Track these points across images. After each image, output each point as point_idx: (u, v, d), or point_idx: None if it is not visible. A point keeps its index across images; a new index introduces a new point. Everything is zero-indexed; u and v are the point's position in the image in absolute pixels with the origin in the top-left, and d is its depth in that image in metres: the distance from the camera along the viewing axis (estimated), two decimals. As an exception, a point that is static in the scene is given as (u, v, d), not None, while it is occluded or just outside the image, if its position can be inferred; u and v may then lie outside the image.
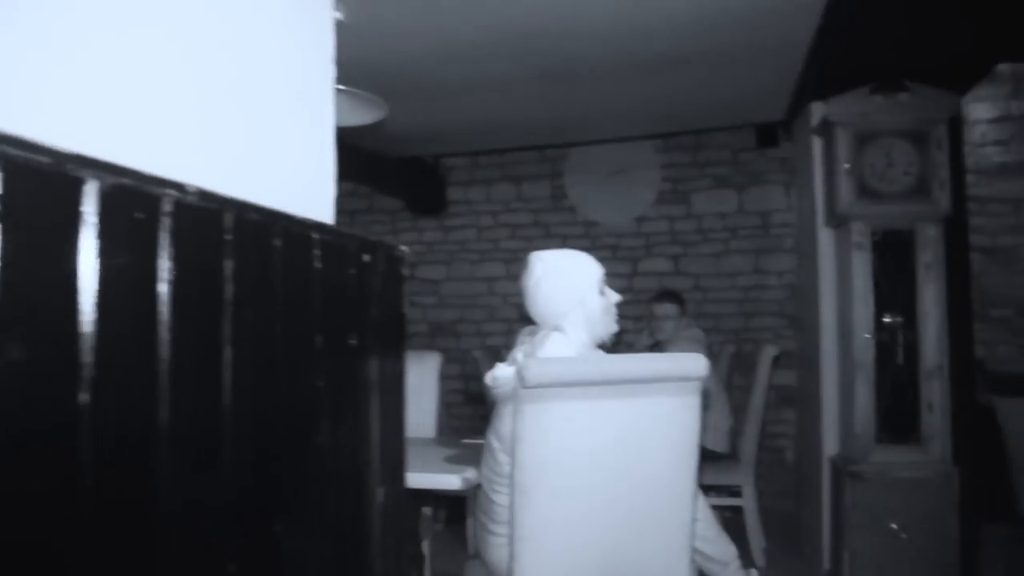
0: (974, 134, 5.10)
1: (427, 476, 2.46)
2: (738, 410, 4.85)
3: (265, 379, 1.02)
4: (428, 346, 6.08)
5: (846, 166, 3.58)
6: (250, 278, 0.99)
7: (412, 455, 2.86)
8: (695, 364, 2.10)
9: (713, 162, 5.70)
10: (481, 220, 6.13)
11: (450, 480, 2.42)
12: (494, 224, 6.10)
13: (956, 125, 3.78)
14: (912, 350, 3.56)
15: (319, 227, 1.16)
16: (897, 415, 3.57)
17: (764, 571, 4.18)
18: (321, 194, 1.37)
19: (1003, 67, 5.06)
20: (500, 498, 2.25)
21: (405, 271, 1.44)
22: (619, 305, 2.52)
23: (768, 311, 5.60)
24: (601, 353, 2.42)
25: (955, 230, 3.69)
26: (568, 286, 2.35)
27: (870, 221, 3.60)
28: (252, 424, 1.00)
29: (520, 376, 2.01)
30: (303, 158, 1.33)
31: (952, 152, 3.57)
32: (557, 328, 2.33)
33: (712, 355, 5.00)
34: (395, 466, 1.37)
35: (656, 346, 4.70)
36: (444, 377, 5.32)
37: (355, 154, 5.35)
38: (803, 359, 4.90)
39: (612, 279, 5.83)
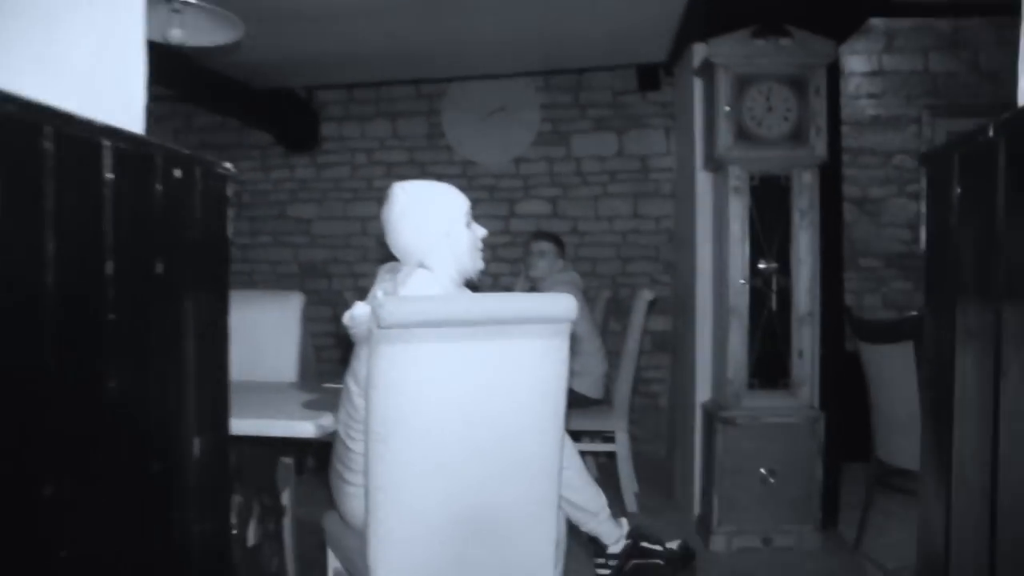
0: (849, 86, 5.15)
1: (279, 423, 2.27)
2: (613, 355, 4.81)
3: (28, 311, 0.82)
4: (299, 287, 5.83)
5: (726, 109, 3.51)
6: (6, 187, 0.79)
7: (267, 401, 2.69)
8: (564, 305, 1.97)
9: (594, 103, 5.59)
10: (355, 158, 5.86)
11: (303, 427, 2.23)
12: (368, 162, 5.85)
13: (834, 74, 3.76)
14: (785, 297, 3.55)
15: (111, 132, 0.95)
16: (769, 361, 3.57)
17: (635, 518, 4.17)
18: (126, 100, 1.15)
19: (876, 22, 5.10)
20: (356, 445, 2.09)
21: (231, 191, 1.24)
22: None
23: (645, 256, 5.57)
24: (468, 292, 2.27)
25: (829, 178, 3.68)
26: (433, 218, 2.18)
27: (748, 165, 3.55)
28: (13, 367, 0.80)
29: (375, 315, 1.84)
30: (98, 52, 1.11)
31: (829, 101, 3.54)
32: (421, 264, 2.17)
33: (588, 300, 4.94)
34: (216, 413, 1.19)
35: (532, 288, 4.59)
36: (315, 319, 5.12)
37: (222, 83, 5.00)
38: (678, 305, 4.89)
39: (489, 221, 5.71)
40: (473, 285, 2.37)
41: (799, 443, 3.55)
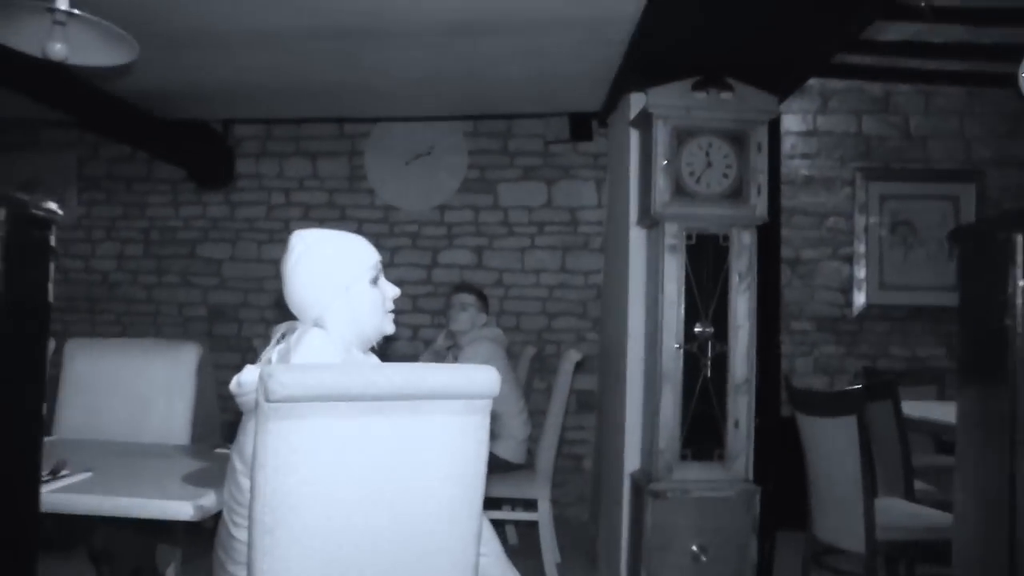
0: (784, 146, 5.05)
1: (153, 503, 1.95)
2: (537, 414, 4.56)
3: None
4: (207, 331, 5.46)
5: (663, 163, 3.33)
6: None
7: (145, 472, 2.34)
8: (485, 379, 1.71)
9: (523, 151, 5.39)
10: (272, 197, 5.53)
11: (179, 508, 1.92)
12: (286, 202, 5.52)
13: (775, 131, 3.63)
14: (721, 363, 3.36)
15: None
16: (702, 431, 3.36)
17: (555, 593, 3.89)
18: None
19: (812, 82, 5.04)
20: (240, 533, 1.77)
21: (52, 239, 0.95)
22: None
23: (572, 312, 5.36)
24: (372, 358, 1.99)
25: (767, 239, 3.52)
26: (332, 272, 1.90)
27: (685, 223, 3.37)
28: None
29: (263, 386, 1.55)
30: None
31: (770, 158, 3.40)
32: (317, 323, 1.89)
33: (512, 356, 4.70)
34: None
35: (453, 346, 4.32)
36: (222, 367, 4.73)
37: (124, 111, 4.65)
38: (605, 364, 4.67)
39: (411, 270, 5.43)
40: (389, 338, 2.10)
41: (733, 518, 3.33)
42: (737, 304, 3.36)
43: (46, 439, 2.79)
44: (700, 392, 3.36)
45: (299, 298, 1.89)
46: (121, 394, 2.85)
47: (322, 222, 5.39)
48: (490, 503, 4.08)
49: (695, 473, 3.34)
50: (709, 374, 3.36)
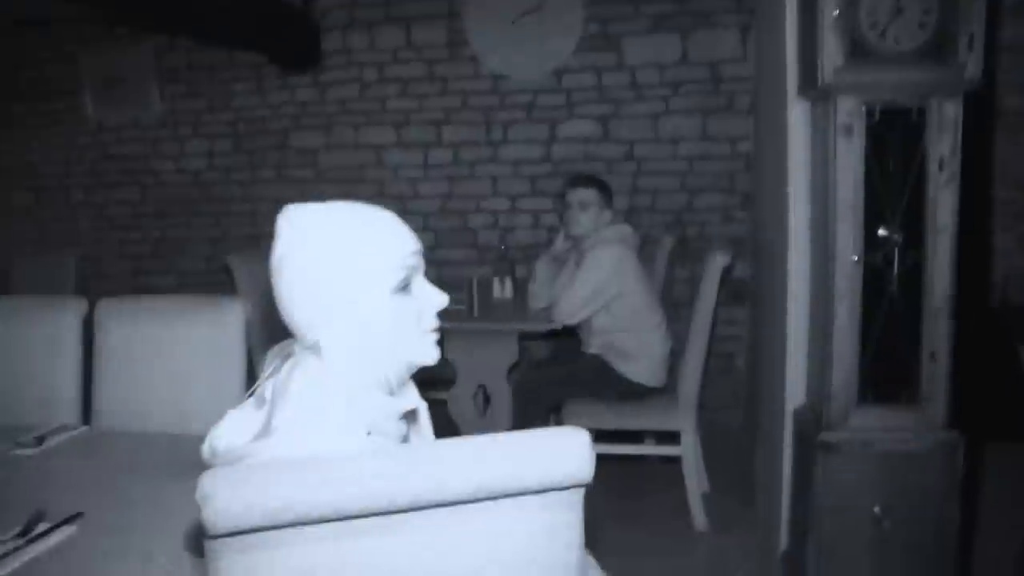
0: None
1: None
2: (681, 307, 3.90)
3: None
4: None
5: (835, 12, 2.45)
6: None
7: (159, 509, 1.76)
8: (571, 457, 1.05)
9: (651, -2, 4.49)
10: (364, 74, 4.89)
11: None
12: (379, 79, 4.87)
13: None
14: (914, 277, 2.56)
15: None
16: (888, 366, 2.60)
17: (703, 540, 3.33)
18: None
19: None
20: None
21: None
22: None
23: (717, 187, 4.56)
24: (407, 397, 1.33)
25: (981, 108, 2.61)
26: (331, 276, 1.23)
27: (865, 93, 2.50)
28: None
29: (203, 516, 0.96)
30: None
31: (988, -6, 2.45)
32: (315, 347, 1.24)
33: (648, 245, 4.02)
34: None
35: (574, 248, 3.65)
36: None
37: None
38: (760, 256, 3.90)
39: (527, 147, 4.73)
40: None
41: (927, 475, 2.60)
42: (937, 200, 2.51)
43: (76, 431, 2.37)
44: (885, 317, 2.59)
45: (287, 312, 1.25)
46: (160, 369, 2.36)
47: (422, 99, 4.74)
48: (627, 436, 3.52)
49: (878, 419, 2.61)
50: (897, 292, 2.57)
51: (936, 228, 2.52)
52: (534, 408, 3.51)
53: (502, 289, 4.04)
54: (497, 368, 3.65)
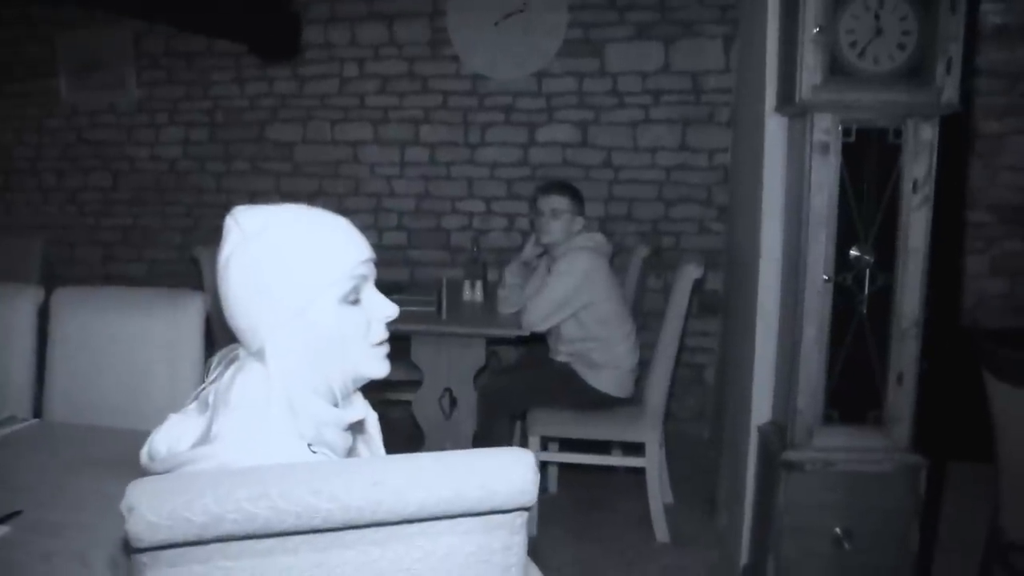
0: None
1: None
2: (652, 317, 3.88)
3: None
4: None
5: (814, 30, 2.43)
6: None
7: (110, 505, 1.53)
8: (515, 484, 1.02)
9: (636, 5, 4.46)
10: (345, 69, 4.83)
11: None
12: (359, 75, 4.81)
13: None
14: (883, 299, 2.55)
15: None
16: (854, 386, 2.59)
17: (665, 553, 3.30)
18: None
19: None
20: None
21: None
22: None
23: (694, 198, 4.54)
24: (353, 409, 1.29)
25: (957, 131, 2.61)
26: (276, 281, 1.18)
27: (842, 112, 2.49)
28: None
29: (127, 528, 0.92)
30: None
31: (968, 18, 2.44)
32: (260, 353, 1.22)
33: (622, 253, 4.02)
34: None
35: (545, 255, 3.62)
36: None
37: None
38: (732, 269, 3.89)
39: (504, 149, 4.69)
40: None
41: (890, 498, 2.60)
42: (910, 222, 2.50)
43: (24, 423, 2.30)
44: (854, 336, 2.57)
45: (232, 316, 1.21)
46: (115, 362, 2.30)
47: (402, 97, 4.69)
48: (593, 446, 3.49)
49: (843, 440, 2.60)
50: (866, 313, 2.56)
51: (908, 250, 2.51)
52: (499, 413, 3.47)
53: (472, 292, 3.99)
54: (464, 372, 3.61)
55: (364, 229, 4.19)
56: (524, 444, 3.49)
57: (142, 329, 2.32)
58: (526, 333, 3.42)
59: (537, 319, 3.36)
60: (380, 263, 1.28)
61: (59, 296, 2.41)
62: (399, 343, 3.78)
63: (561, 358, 3.47)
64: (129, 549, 0.94)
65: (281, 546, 0.97)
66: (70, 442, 2.09)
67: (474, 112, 4.68)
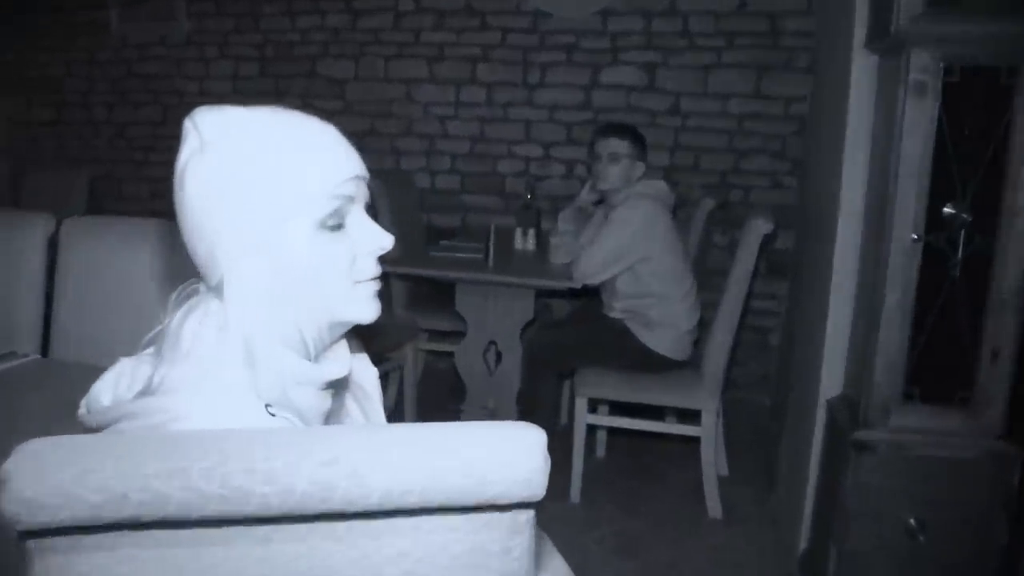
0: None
1: None
2: (716, 275, 3.60)
3: None
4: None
5: (917, -50, 2.11)
6: None
7: None
8: (513, 465, 0.78)
9: (711, -61, 4.13)
10: (400, 3, 4.59)
11: None
12: (415, 9, 4.56)
13: None
14: (979, 264, 2.24)
15: None
16: (940, 361, 2.30)
17: (716, 529, 3.06)
18: None
19: None
20: None
21: None
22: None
23: (767, 149, 4.22)
24: (337, 361, 1.07)
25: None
26: (242, 194, 0.95)
27: (943, 48, 2.17)
28: None
29: (1, 507, 0.71)
30: None
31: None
32: (217, 289, 0.99)
33: (685, 206, 3.74)
34: None
35: (603, 203, 3.36)
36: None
37: None
38: (806, 226, 3.57)
39: (566, 91, 4.41)
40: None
41: (973, 487, 2.31)
42: (1019, 178, 2.18)
43: (22, 359, 2.13)
44: (942, 305, 2.28)
45: (188, 240, 0.99)
46: (125, 297, 2.14)
47: (459, 34, 4.43)
48: (645, 410, 3.25)
49: (922, 420, 2.32)
50: (959, 279, 2.26)
51: (1013, 210, 2.19)
52: (545, 371, 3.25)
53: (524, 241, 3.76)
54: (510, 325, 3.39)
55: (416, 172, 3.96)
56: (571, 405, 3.27)
57: (153, 263, 2.14)
58: (578, 286, 3.17)
59: (590, 271, 3.11)
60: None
61: (69, 226, 2.24)
62: (444, 291, 3.59)
63: (615, 315, 3.22)
64: (13, 533, 0.74)
65: (208, 536, 0.75)
66: (66, 382, 1.91)
67: (534, 51, 4.40)
